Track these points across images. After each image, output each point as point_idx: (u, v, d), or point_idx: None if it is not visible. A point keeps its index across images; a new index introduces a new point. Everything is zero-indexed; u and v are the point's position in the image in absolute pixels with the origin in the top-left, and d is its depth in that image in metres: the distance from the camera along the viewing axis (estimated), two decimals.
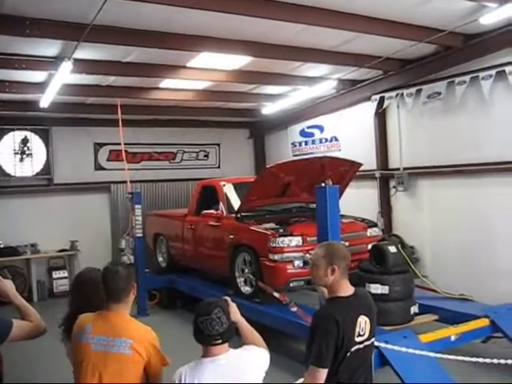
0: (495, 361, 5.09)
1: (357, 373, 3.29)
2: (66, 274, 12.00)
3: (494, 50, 7.93)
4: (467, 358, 5.24)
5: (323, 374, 3.12)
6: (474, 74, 8.53)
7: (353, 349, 3.22)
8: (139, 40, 7.22)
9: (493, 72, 8.25)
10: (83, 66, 8.06)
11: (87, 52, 7.65)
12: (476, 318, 6.42)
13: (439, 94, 9.20)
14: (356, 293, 3.39)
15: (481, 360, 5.16)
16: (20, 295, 3.44)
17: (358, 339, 3.26)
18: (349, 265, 3.41)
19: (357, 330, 3.25)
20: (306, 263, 4.17)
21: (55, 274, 12.06)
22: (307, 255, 4.29)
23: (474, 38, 8.03)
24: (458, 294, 7.54)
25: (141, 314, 9.73)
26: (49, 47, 7.44)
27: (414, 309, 6.65)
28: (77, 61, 7.42)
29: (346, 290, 3.36)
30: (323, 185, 5.28)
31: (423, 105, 9.52)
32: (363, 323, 3.30)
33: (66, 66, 7.30)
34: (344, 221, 7.37)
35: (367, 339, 3.34)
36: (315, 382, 3.12)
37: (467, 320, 6.33)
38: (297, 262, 4.41)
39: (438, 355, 5.29)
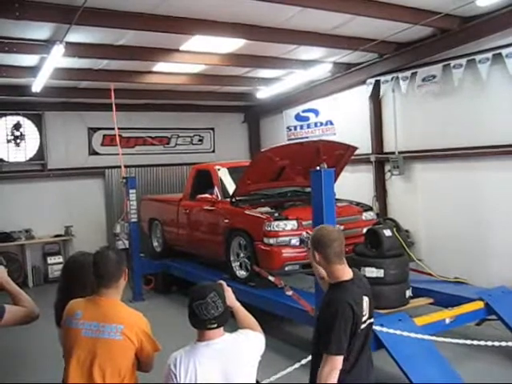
0: (489, 343, 5.13)
1: (361, 352, 3.34)
2: (60, 260, 11.94)
3: (491, 33, 7.85)
4: (462, 341, 5.27)
5: (341, 360, 3.15)
6: (471, 57, 8.48)
7: (359, 330, 3.27)
8: (131, 23, 7.12)
9: (489, 55, 8.20)
10: (75, 49, 7.96)
11: (79, 35, 7.54)
12: (470, 300, 6.45)
13: (434, 77, 9.16)
14: (355, 275, 3.41)
15: (475, 342, 5.20)
16: (15, 281, 3.42)
17: (363, 319, 3.31)
18: (342, 248, 3.38)
19: (363, 311, 3.30)
20: (302, 242, 4.16)
21: (50, 260, 12.03)
22: (304, 233, 4.28)
23: (471, 21, 7.96)
24: (452, 278, 7.57)
25: (136, 298, 9.76)
26: (40, 30, 7.34)
27: (409, 292, 6.67)
28: (69, 44, 7.33)
29: (347, 274, 3.37)
30: (318, 168, 5.25)
31: (418, 88, 9.48)
32: (365, 304, 3.34)
33: (58, 49, 7.22)
34: (339, 204, 7.37)
35: (368, 318, 3.39)
36: (334, 369, 3.12)
37: (462, 303, 6.36)
38: (293, 241, 4.41)
39: (433, 338, 5.32)
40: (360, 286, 3.39)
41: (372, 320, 3.45)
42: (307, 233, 4.13)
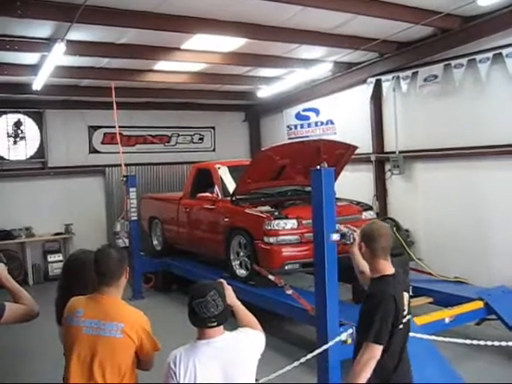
0: (489, 343, 5.12)
1: (404, 350, 3.45)
2: (61, 258, 11.96)
3: (491, 33, 7.86)
4: (461, 340, 5.27)
5: (380, 350, 3.22)
6: (471, 57, 8.48)
7: (400, 326, 3.34)
8: (133, 21, 7.13)
9: (490, 55, 8.20)
10: (76, 47, 7.96)
11: (80, 33, 7.55)
12: (470, 300, 6.45)
13: (436, 77, 9.15)
14: (396, 272, 3.49)
15: (475, 342, 5.19)
16: (15, 279, 3.42)
17: (403, 314, 3.39)
18: (389, 245, 3.49)
19: (403, 306, 3.38)
20: (343, 236, 4.19)
21: (50, 258, 12.05)
22: (345, 228, 4.30)
23: (472, 21, 7.97)
24: (452, 277, 7.58)
25: (136, 297, 9.77)
26: (41, 28, 7.35)
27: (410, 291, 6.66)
28: (70, 42, 7.33)
29: (390, 269, 3.46)
30: (318, 167, 5.25)
31: (420, 88, 9.47)
32: (405, 299, 3.43)
33: (59, 47, 7.21)
34: (339, 204, 7.35)
35: (407, 314, 3.47)
36: (372, 359, 3.20)
37: (461, 302, 6.37)
38: (334, 236, 4.40)
39: (433, 337, 5.32)
40: (400, 282, 3.48)
41: (409, 316, 3.52)
42: (348, 227, 4.18)
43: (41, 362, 6.79)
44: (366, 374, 3.18)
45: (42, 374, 6.19)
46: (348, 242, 4.18)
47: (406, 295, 3.45)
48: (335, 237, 4.37)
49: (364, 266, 3.71)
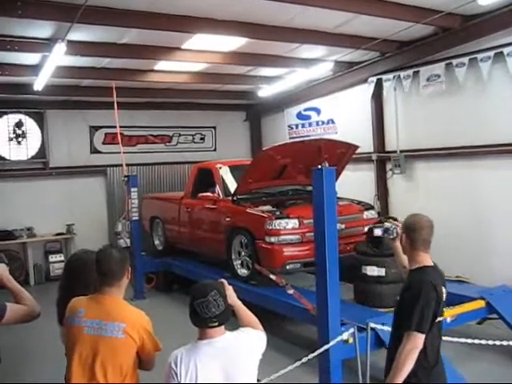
0: (490, 342, 5.12)
1: (439, 348, 3.44)
2: (62, 258, 11.96)
3: (493, 32, 7.86)
4: (463, 340, 5.26)
5: (422, 339, 3.20)
6: (472, 56, 8.47)
7: (439, 318, 3.33)
8: (134, 21, 7.13)
9: (491, 54, 8.19)
10: (77, 47, 7.97)
11: (81, 33, 7.55)
12: (472, 299, 6.44)
13: (439, 76, 9.13)
14: (435, 265, 3.51)
15: (476, 341, 5.19)
16: (17, 279, 3.42)
17: (442, 305, 3.37)
18: (429, 238, 3.49)
19: (443, 298, 3.37)
20: (386, 231, 4.18)
21: (52, 258, 12.05)
22: (387, 224, 4.30)
23: (472, 19, 7.96)
24: (454, 276, 7.56)
25: (137, 296, 9.77)
26: (42, 28, 7.34)
27: None
28: (71, 42, 7.34)
29: (429, 261, 3.48)
30: (320, 167, 5.24)
31: (423, 88, 9.44)
32: (443, 294, 3.41)
33: (60, 47, 7.21)
34: (340, 203, 7.36)
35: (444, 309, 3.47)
36: (415, 348, 3.18)
37: (463, 302, 6.35)
38: (377, 230, 4.36)
39: None
40: (440, 275, 3.49)
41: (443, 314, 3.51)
42: (391, 222, 4.20)
43: (42, 363, 6.81)
44: (410, 364, 3.16)
45: (43, 374, 6.20)
46: (391, 237, 4.16)
47: (444, 290, 3.42)
48: (378, 232, 4.34)
49: (407, 260, 3.70)
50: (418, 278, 3.35)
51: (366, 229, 7.18)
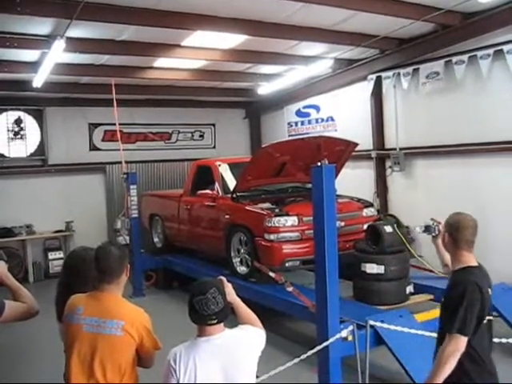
0: None
1: (487, 345, 3.34)
2: (61, 255, 11.95)
3: (492, 29, 7.84)
4: None
5: (465, 342, 3.11)
6: (472, 53, 8.46)
7: (485, 320, 3.24)
8: (133, 18, 7.10)
9: (491, 51, 8.18)
10: (76, 44, 7.95)
11: (80, 30, 7.54)
12: None
13: (438, 73, 9.13)
14: (480, 265, 3.42)
15: None
16: (16, 276, 3.41)
17: (488, 307, 3.28)
18: (473, 238, 3.40)
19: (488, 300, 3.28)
20: (427, 229, 4.13)
21: (51, 255, 12.05)
22: (430, 220, 4.23)
23: (472, 17, 7.94)
24: None
25: (137, 294, 9.77)
26: (41, 25, 7.33)
27: (410, 288, 6.67)
28: (70, 39, 7.32)
29: (473, 261, 3.38)
30: (319, 164, 5.23)
31: (423, 85, 9.44)
32: (489, 295, 3.31)
33: (59, 44, 7.20)
34: (340, 201, 7.36)
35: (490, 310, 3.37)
36: (456, 351, 3.10)
37: None
38: (417, 228, 4.30)
39: (434, 334, 5.30)
40: (485, 276, 3.39)
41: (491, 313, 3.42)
42: (433, 219, 4.15)
43: (41, 360, 6.81)
44: (450, 366, 3.09)
45: (41, 371, 6.21)
46: (433, 234, 4.08)
47: (489, 291, 3.32)
48: (419, 229, 4.29)
49: (449, 259, 3.62)
50: (462, 279, 3.25)
51: (365, 226, 7.17)
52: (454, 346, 3.10)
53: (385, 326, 5.29)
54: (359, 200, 8.26)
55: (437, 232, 4.01)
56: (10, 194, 11.62)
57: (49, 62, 8.27)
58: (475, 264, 3.37)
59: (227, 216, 8.11)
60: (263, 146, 8.73)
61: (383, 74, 10.21)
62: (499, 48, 8.06)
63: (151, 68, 10.41)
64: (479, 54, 8.34)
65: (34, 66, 9.13)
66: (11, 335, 6.90)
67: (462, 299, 3.12)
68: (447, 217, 3.55)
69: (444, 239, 3.50)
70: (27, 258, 11.94)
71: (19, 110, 11.99)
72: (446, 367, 3.09)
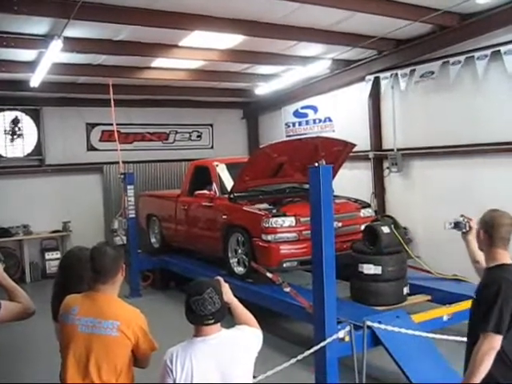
0: None
1: None
2: (58, 255, 11.89)
3: (490, 30, 7.85)
4: (459, 338, 5.25)
5: (499, 340, 3.08)
6: (469, 54, 8.47)
7: None
8: (130, 18, 7.09)
9: (488, 52, 8.20)
10: (74, 44, 7.94)
11: (77, 30, 7.52)
12: (468, 298, 6.40)
13: (432, 73, 9.15)
14: None
15: None
16: (12, 276, 3.41)
17: None
18: (509, 236, 3.35)
19: None
20: (457, 225, 4.09)
21: (48, 255, 12.02)
22: (460, 217, 4.18)
23: (470, 18, 7.96)
24: (450, 275, 7.56)
25: (133, 294, 9.75)
26: (38, 25, 7.32)
27: (407, 289, 6.67)
28: (67, 39, 7.31)
29: (508, 258, 3.33)
30: (316, 165, 5.23)
31: (415, 84, 9.48)
32: None
33: (56, 44, 7.19)
34: (337, 201, 7.35)
35: None
36: (492, 349, 3.06)
37: (460, 300, 6.35)
38: (446, 224, 4.24)
39: (431, 335, 5.32)
40: None
41: None
42: (463, 215, 4.11)
43: (36, 360, 6.79)
44: (487, 365, 3.05)
45: (37, 371, 6.19)
46: (463, 231, 4.05)
47: None
48: (448, 226, 4.24)
49: (480, 255, 3.58)
50: (496, 276, 3.20)
51: (362, 227, 7.17)
52: (488, 344, 3.06)
53: (382, 326, 5.28)
54: (356, 201, 8.26)
55: (467, 228, 4.00)
56: (7, 194, 11.60)
57: (46, 62, 8.25)
58: (509, 262, 3.32)
59: (224, 216, 8.10)
60: (261, 146, 8.74)
61: (381, 75, 10.21)
62: (497, 49, 8.07)
63: (149, 68, 10.40)
64: (476, 54, 8.35)
65: (31, 65, 9.11)
66: (8, 335, 6.88)
67: (497, 297, 3.08)
68: (482, 214, 3.52)
69: (479, 236, 3.46)
70: (24, 258, 11.92)
71: (16, 109, 11.98)
72: (481, 367, 3.06)
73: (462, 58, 8.58)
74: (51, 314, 3.58)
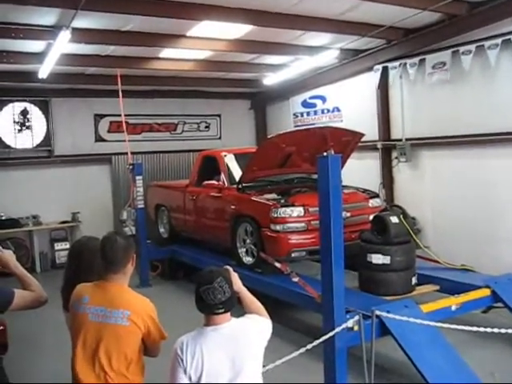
0: (495, 330, 5.11)
1: None
2: (67, 246, 11.90)
3: (500, 19, 7.77)
4: (467, 328, 5.26)
5: None
6: (480, 43, 8.39)
7: None
8: (138, 8, 7.08)
9: (499, 41, 8.11)
10: (82, 35, 7.93)
11: (86, 21, 7.51)
12: (477, 288, 6.43)
13: (444, 64, 9.06)
14: None
15: (481, 329, 5.17)
16: (23, 267, 3.44)
17: None
18: None
19: None
20: None
21: (57, 246, 12.11)
22: None
23: (479, 6, 7.88)
24: (459, 265, 7.55)
25: (143, 284, 9.80)
26: (46, 16, 7.30)
27: (415, 279, 6.67)
28: (75, 30, 7.33)
29: None
30: (325, 154, 5.22)
31: (428, 75, 9.38)
32: None
33: (65, 35, 7.21)
34: (346, 191, 7.34)
35: None
36: None
37: (468, 290, 6.34)
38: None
39: (439, 324, 5.32)
40: None
41: None
42: None
43: (48, 349, 6.87)
44: None
45: (49, 360, 6.25)
46: None
47: None
48: None
49: None
50: None
51: (371, 217, 7.16)
52: None
53: (390, 316, 5.28)
54: (365, 191, 8.24)
55: None
56: (16, 185, 11.67)
57: (54, 53, 8.27)
58: None
59: (233, 206, 8.12)
60: (269, 136, 8.71)
61: (389, 65, 10.15)
62: (507, 37, 7.99)
63: (157, 59, 10.38)
64: (487, 43, 8.27)
65: (39, 56, 9.12)
66: (18, 324, 6.94)
67: None
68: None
69: None
70: (34, 248, 12.00)
71: (25, 101, 12.00)
72: None
73: (472, 47, 8.50)
74: (62, 303, 3.61)
